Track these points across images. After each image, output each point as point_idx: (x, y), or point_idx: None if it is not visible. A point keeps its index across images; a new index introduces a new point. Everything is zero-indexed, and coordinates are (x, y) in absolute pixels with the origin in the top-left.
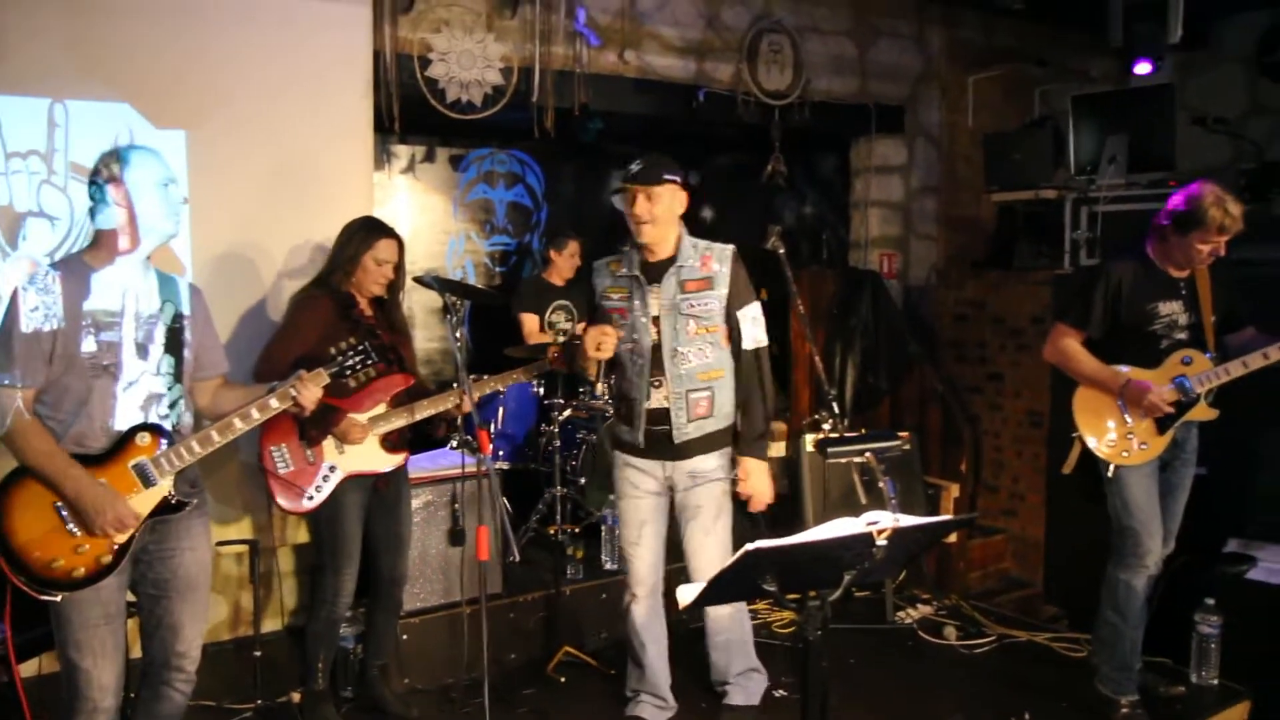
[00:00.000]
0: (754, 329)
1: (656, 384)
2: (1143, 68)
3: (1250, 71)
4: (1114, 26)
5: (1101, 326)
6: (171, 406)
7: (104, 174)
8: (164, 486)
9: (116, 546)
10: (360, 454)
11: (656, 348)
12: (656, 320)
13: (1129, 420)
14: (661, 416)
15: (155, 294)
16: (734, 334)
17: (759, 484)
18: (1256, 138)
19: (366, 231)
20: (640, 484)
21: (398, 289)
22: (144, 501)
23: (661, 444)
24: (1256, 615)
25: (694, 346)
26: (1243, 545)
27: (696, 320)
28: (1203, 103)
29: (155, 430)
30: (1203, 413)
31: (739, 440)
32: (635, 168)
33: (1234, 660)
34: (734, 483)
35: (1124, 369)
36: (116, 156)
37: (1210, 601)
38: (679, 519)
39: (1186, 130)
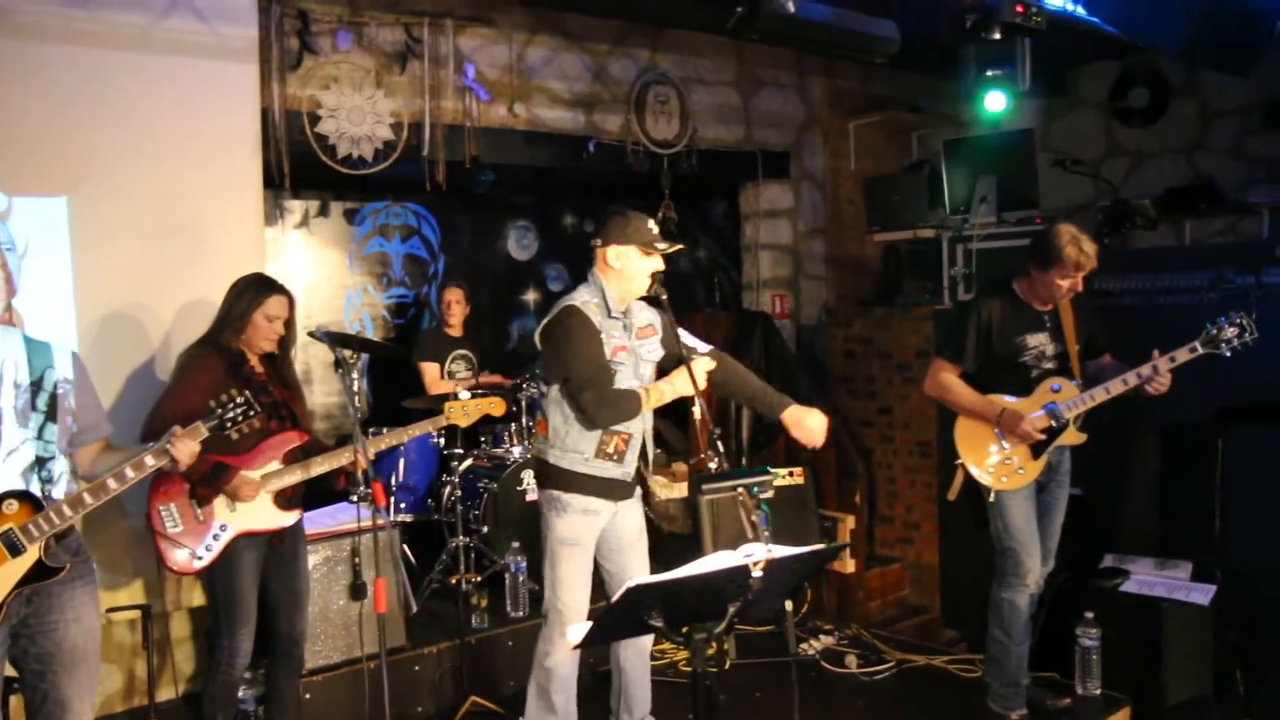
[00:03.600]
0: (697, 342)
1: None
2: (995, 100)
3: (1105, 116)
4: (969, 75)
5: (975, 360)
6: (52, 476)
7: None
8: (33, 553)
9: None
10: (252, 512)
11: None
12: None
13: (1006, 447)
14: (642, 452)
15: (27, 360)
16: (672, 358)
17: (811, 420)
18: (1113, 177)
19: (256, 289)
20: (592, 530)
21: (289, 345)
22: (12, 571)
23: (631, 480)
24: (1132, 625)
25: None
26: (1117, 559)
27: (651, 364)
28: (1065, 145)
29: (24, 497)
30: (1073, 436)
31: (773, 401)
32: (669, 238)
33: (1114, 669)
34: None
35: (999, 398)
36: None
37: (1089, 615)
38: (607, 550)
39: (1050, 171)
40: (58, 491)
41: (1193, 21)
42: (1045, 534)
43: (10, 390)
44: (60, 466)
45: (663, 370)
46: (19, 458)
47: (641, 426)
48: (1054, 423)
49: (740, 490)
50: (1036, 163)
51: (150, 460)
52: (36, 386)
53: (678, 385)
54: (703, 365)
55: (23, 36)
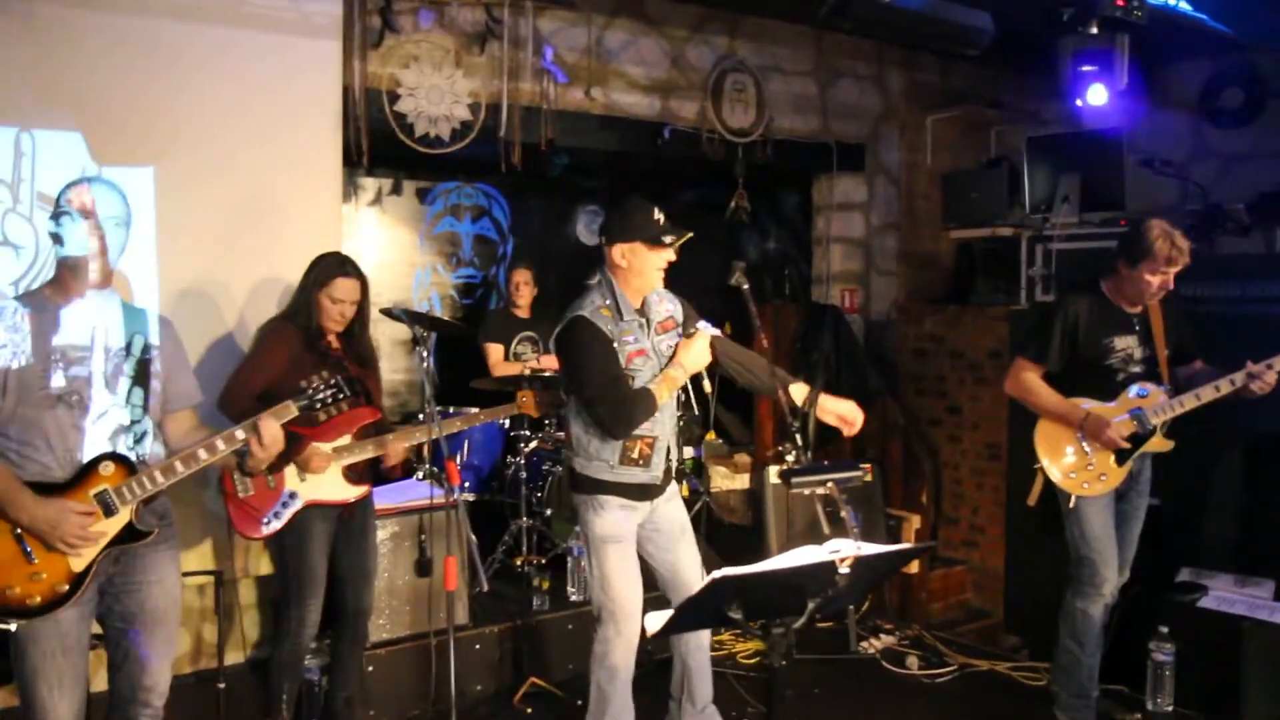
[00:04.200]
0: (710, 328)
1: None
2: (1096, 93)
3: (1195, 116)
4: (1066, 71)
5: (1060, 361)
6: (139, 439)
7: (75, 203)
8: (125, 515)
9: (74, 574)
10: (322, 483)
11: None
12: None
13: (1089, 452)
14: (667, 454)
15: (122, 326)
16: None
17: (845, 406)
18: (1202, 180)
19: (324, 270)
20: (632, 524)
21: (363, 324)
22: (105, 530)
23: (661, 482)
24: (1208, 642)
25: None
26: (1194, 574)
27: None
28: (1151, 145)
29: (119, 460)
30: (1159, 444)
31: (779, 378)
32: (676, 228)
33: (1188, 687)
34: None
35: (1083, 402)
36: (82, 187)
37: (1164, 630)
38: (653, 548)
39: (1135, 172)
40: (143, 456)
41: None
42: (1123, 543)
43: (101, 355)
44: (148, 432)
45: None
46: (108, 421)
47: (667, 426)
48: (1140, 429)
49: (831, 485)
50: (1124, 162)
51: (240, 434)
52: (126, 352)
53: (687, 364)
54: (704, 338)
55: (119, 10)
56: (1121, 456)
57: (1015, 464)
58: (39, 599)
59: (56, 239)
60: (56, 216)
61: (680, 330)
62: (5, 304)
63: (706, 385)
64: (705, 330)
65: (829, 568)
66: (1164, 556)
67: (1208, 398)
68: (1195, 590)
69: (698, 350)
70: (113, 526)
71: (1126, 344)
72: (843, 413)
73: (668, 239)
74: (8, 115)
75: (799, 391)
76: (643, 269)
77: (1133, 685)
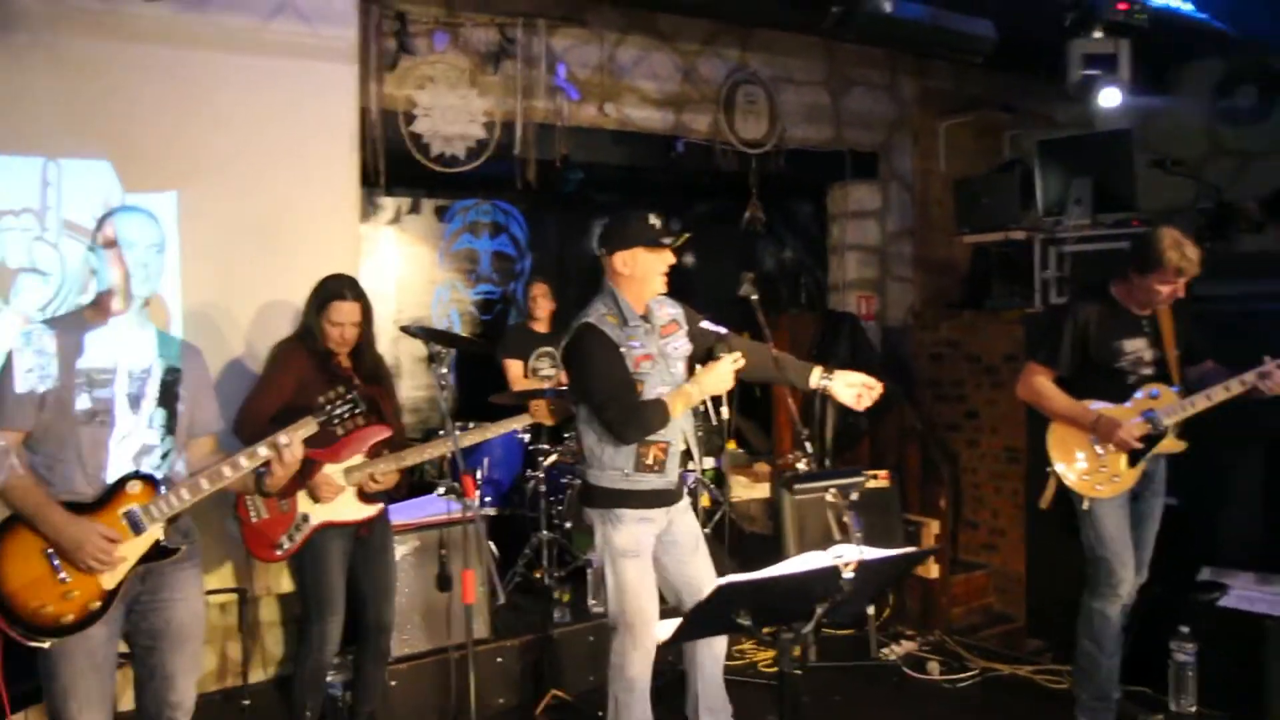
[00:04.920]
0: (716, 327)
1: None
2: (1108, 95)
3: (1208, 115)
4: (1071, 74)
5: (1070, 365)
6: (164, 458)
7: (99, 237)
8: (154, 533)
9: (106, 592)
10: (335, 503)
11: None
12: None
13: (1101, 454)
14: (682, 459)
15: (151, 349)
16: (701, 349)
17: (857, 377)
18: (1216, 179)
19: (322, 295)
20: (649, 537)
21: (364, 345)
22: (134, 548)
23: (676, 488)
24: (1230, 642)
25: None
26: (1215, 573)
27: (681, 360)
28: (1164, 145)
29: (146, 479)
30: (1171, 445)
31: (801, 373)
32: (672, 224)
33: (1211, 687)
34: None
35: (1095, 405)
36: (111, 219)
37: (1185, 630)
38: (669, 560)
39: (1149, 172)
40: (168, 476)
41: None
42: (1139, 544)
43: (124, 378)
44: (170, 454)
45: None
46: (132, 442)
47: (680, 432)
48: (1152, 430)
49: (833, 491)
50: (1134, 163)
51: (262, 450)
52: (149, 375)
53: (706, 386)
54: (728, 362)
55: (141, 40)
56: (1134, 458)
57: (1034, 467)
58: (72, 617)
59: (92, 270)
60: (91, 249)
61: (684, 332)
62: (32, 329)
63: (725, 411)
64: (729, 356)
65: (833, 572)
66: (1184, 556)
67: (1219, 398)
68: (1216, 589)
69: (720, 374)
70: (142, 544)
71: (1136, 346)
72: (855, 391)
73: (666, 240)
74: (35, 145)
75: (813, 377)
76: (645, 274)
77: (1155, 686)
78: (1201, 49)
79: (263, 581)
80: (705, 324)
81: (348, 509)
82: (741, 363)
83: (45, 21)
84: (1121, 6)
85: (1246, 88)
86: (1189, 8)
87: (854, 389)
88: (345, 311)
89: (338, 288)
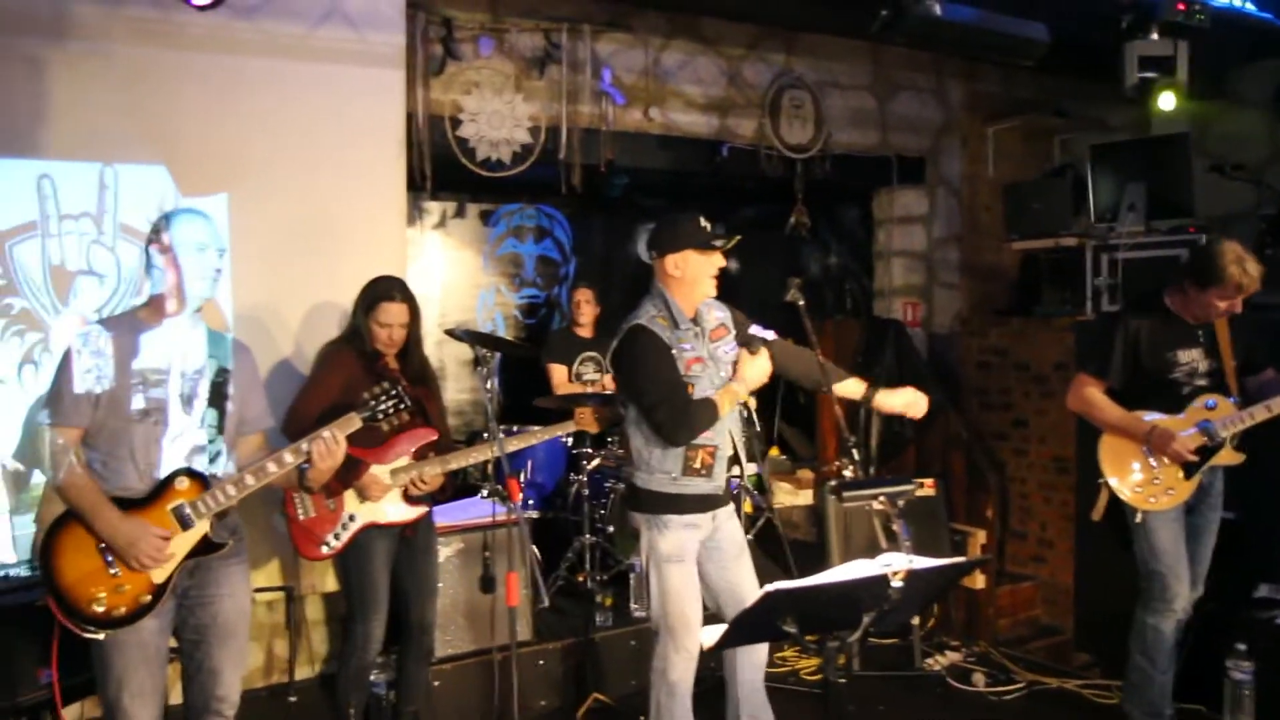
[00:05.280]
0: (765, 331)
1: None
2: (1166, 99)
3: (1269, 117)
4: (1128, 77)
5: (1122, 375)
6: (214, 458)
7: (153, 240)
8: (201, 528)
9: (156, 585)
10: (381, 504)
11: None
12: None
13: (1155, 466)
14: (729, 463)
15: (202, 350)
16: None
17: (911, 395)
18: (1277, 184)
19: (370, 296)
20: (694, 543)
21: (415, 344)
22: (182, 543)
23: (724, 493)
24: None
25: None
26: (1273, 590)
27: (730, 365)
28: (1223, 149)
29: (194, 475)
30: (1229, 457)
31: (828, 374)
32: (719, 228)
33: (1268, 706)
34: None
35: (1148, 416)
36: (165, 222)
37: (1242, 647)
38: (712, 566)
39: (1207, 177)
40: (219, 475)
41: None
42: (1195, 558)
43: (177, 378)
44: (221, 452)
45: None
46: (184, 441)
47: (727, 436)
48: (1208, 442)
49: (882, 499)
50: (1191, 168)
51: (305, 445)
52: (202, 374)
53: (748, 379)
54: (765, 356)
55: (193, 48)
56: (1189, 470)
57: (1084, 478)
58: (124, 609)
59: (148, 270)
60: (145, 250)
61: (733, 336)
62: (90, 329)
63: (755, 419)
64: (764, 343)
65: (882, 581)
66: (1241, 571)
67: (1279, 409)
68: (1274, 606)
69: (759, 367)
70: (190, 539)
71: (1191, 357)
72: (905, 400)
73: (718, 243)
74: (92, 151)
75: (855, 387)
76: (696, 277)
77: (1211, 705)
78: (1264, 49)
79: (308, 580)
80: (755, 329)
81: (393, 510)
82: (770, 335)
83: (101, 30)
84: (1180, 7)
85: None
86: (1251, 7)
87: (899, 402)
88: (394, 313)
89: (387, 289)
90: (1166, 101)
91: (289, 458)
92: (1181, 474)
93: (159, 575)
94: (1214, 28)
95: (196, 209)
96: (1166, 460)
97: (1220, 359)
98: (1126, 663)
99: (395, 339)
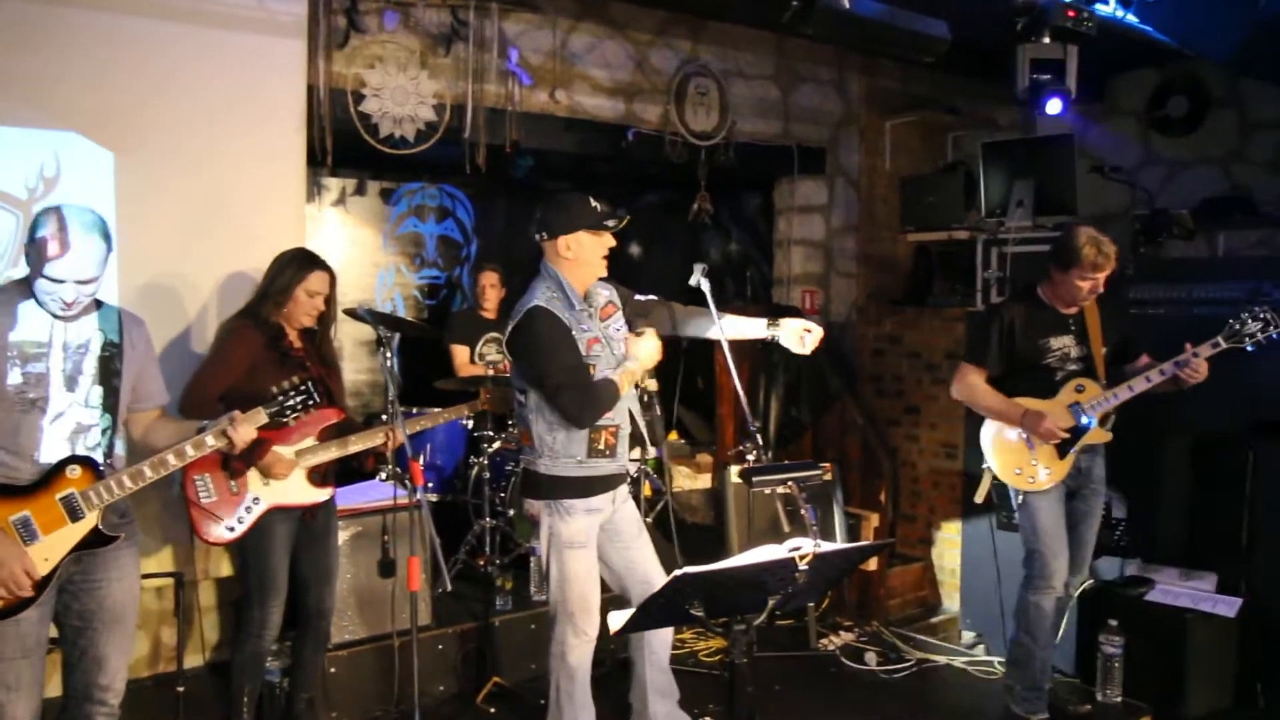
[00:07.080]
0: (646, 297)
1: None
2: (1054, 105)
3: (1142, 124)
4: (1020, 79)
5: (999, 363)
6: (102, 435)
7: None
8: (91, 519)
9: (38, 579)
10: (285, 486)
11: None
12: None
13: (1031, 448)
14: (631, 442)
15: (90, 322)
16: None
17: (798, 323)
18: (1149, 186)
19: (300, 263)
20: (595, 530)
21: (329, 322)
22: (70, 535)
23: (625, 473)
24: (1155, 634)
25: None
26: (1142, 568)
27: (622, 342)
28: (1100, 152)
29: (86, 463)
30: (1098, 436)
31: (744, 326)
32: (610, 208)
33: (1136, 678)
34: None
35: (1023, 401)
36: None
37: (1113, 623)
38: (612, 549)
39: (1087, 178)
40: (102, 457)
41: (1248, 31)
42: (1080, 542)
43: (59, 353)
44: (109, 432)
45: None
46: (65, 421)
47: (627, 415)
48: (1077, 422)
49: (791, 484)
50: (1076, 169)
51: (210, 440)
52: (87, 349)
53: (641, 356)
54: (653, 336)
55: (78, 5)
56: (1063, 449)
57: (971, 463)
58: (1, 603)
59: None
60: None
61: (621, 312)
62: None
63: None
64: (654, 305)
65: (789, 565)
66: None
67: (1141, 388)
68: (1143, 584)
69: (649, 347)
70: (79, 531)
71: (1063, 344)
72: (800, 328)
73: (610, 223)
74: None
75: (755, 326)
76: (589, 258)
77: (1085, 678)
78: (1138, 59)
79: (202, 565)
80: (638, 297)
81: (299, 492)
82: (651, 297)
83: None
84: (1071, 14)
85: (1178, 99)
86: (1133, 19)
87: (797, 333)
88: (323, 281)
89: (315, 257)
90: (1054, 107)
91: (191, 451)
92: (1056, 454)
93: (43, 568)
94: (1098, 36)
95: (79, 205)
96: (1041, 441)
97: (1090, 345)
98: (1010, 639)
99: (319, 309)
